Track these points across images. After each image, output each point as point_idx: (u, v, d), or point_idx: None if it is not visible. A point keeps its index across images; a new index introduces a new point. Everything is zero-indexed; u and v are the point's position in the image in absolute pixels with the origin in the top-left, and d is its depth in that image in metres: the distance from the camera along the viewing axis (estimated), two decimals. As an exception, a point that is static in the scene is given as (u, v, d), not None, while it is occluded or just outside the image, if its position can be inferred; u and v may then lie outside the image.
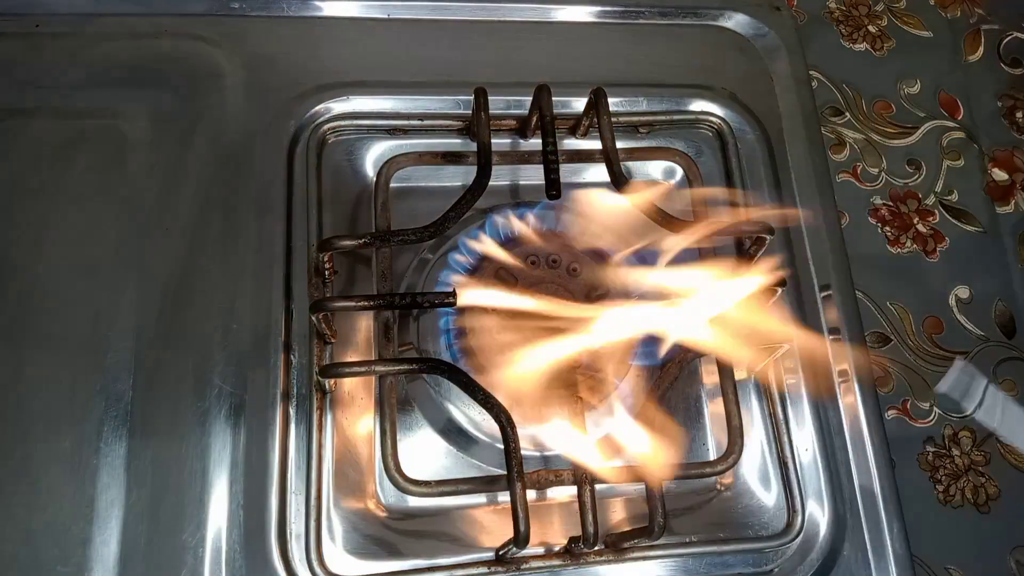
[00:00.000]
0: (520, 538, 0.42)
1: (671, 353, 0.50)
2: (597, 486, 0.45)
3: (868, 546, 0.51)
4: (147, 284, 0.51)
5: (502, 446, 0.43)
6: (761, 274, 0.47)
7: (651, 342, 0.50)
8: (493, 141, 0.51)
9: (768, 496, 0.52)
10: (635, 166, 0.59)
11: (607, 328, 0.47)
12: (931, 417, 0.59)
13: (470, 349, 0.49)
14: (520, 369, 0.48)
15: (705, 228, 0.49)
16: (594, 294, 0.50)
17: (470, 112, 0.56)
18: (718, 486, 0.53)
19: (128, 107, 0.55)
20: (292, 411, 0.49)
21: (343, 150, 0.57)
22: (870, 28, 0.70)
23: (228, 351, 0.50)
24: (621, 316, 0.47)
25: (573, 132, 0.58)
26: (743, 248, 0.53)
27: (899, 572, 0.50)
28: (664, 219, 0.49)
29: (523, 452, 0.43)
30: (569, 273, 0.51)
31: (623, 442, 0.47)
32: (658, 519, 0.43)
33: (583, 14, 0.63)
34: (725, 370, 0.50)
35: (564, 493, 0.50)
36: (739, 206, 0.58)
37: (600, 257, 0.52)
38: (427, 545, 0.48)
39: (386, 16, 0.60)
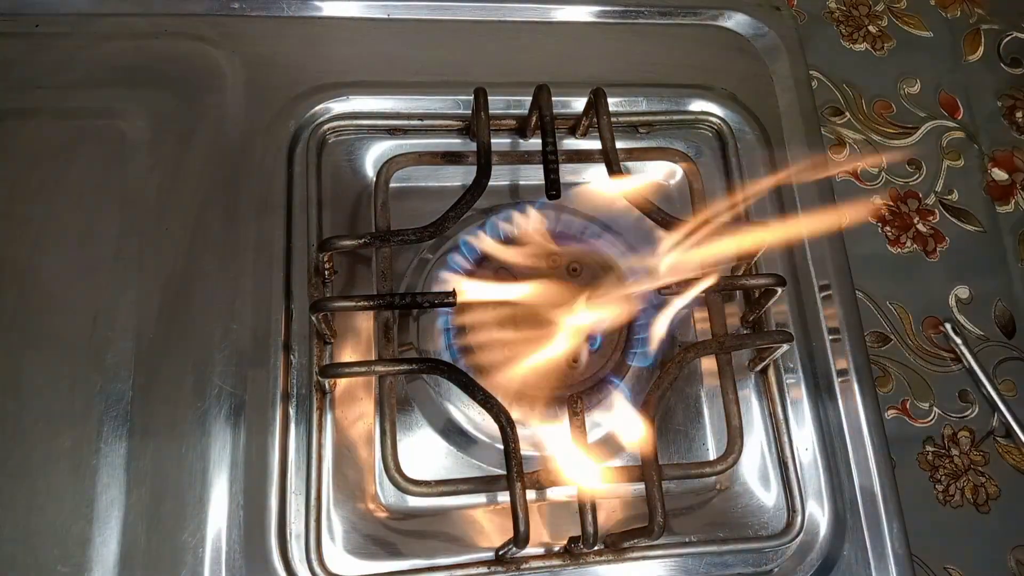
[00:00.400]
0: (520, 538, 0.42)
1: (667, 354, 0.51)
2: (597, 486, 0.45)
3: (868, 546, 0.51)
4: (147, 284, 0.51)
5: (502, 446, 0.43)
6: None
7: (646, 342, 0.50)
8: (493, 141, 0.51)
9: (768, 496, 0.52)
10: (635, 166, 0.59)
11: (603, 312, 0.48)
12: (931, 417, 0.59)
13: (470, 349, 0.49)
14: (520, 368, 0.48)
15: (705, 228, 0.49)
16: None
17: (470, 112, 0.56)
18: (718, 486, 0.53)
19: (128, 107, 0.55)
20: (292, 411, 0.49)
21: (343, 150, 0.57)
22: (870, 28, 0.70)
23: (228, 351, 0.50)
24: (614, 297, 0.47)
25: (573, 132, 0.58)
26: (743, 247, 0.53)
27: (899, 572, 0.50)
28: (664, 219, 0.50)
29: (523, 452, 0.43)
30: (569, 273, 0.51)
31: (623, 436, 0.47)
32: (658, 519, 0.43)
33: (583, 14, 0.63)
34: (725, 370, 0.50)
35: (564, 493, 0.50)
36: (739, 207, 0.58)
37: (600, 257, 0.52)
38: (427, 545, 0.48)
39: (386, 16, 0.60)
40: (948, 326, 0.60)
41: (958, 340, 0.60)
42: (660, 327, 0.49)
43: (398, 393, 0.50)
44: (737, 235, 0.52)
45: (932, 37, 0.71)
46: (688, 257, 0.49)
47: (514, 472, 0.42)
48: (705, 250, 0.49)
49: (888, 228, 0.64)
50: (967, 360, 0.59)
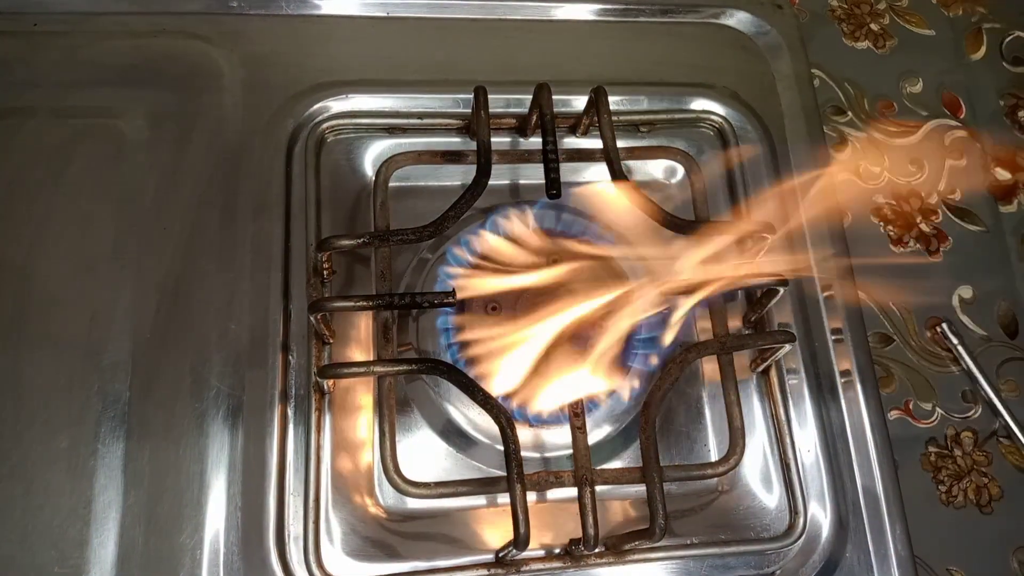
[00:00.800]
0: (520, 540, 0.42)
1: (667, 354, 0.50)
2: (598, 487, 0.45)
3: (871, 547, 0.51)
4: (145, 284, 0.51)
5: (502, 447, 0.43)
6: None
7: (647, 344, 0.50)
8: (493, 140, 0.51)
9: (770, 497, 0.52)
10: (636, 165, 0.59)
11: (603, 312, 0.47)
12: (933, 417, 0.59)
13: (469, 348, 0.49)
14: (520, 368, 0.47)
15: (707, 229, 0.49)
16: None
17: (470, 111, 0.56)
18: (719, 487, 0.52)
19: (126, 106, 0.55)
20: (290, 412, 0.49)
21: (342, 149, 0.57)
22: (872, 26, 0.70)
23: (226, 352, 0.50)
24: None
25: (573, 131, 0.58)
26: (744, 247, 0.53)
27: (901, 573, 0.50)
28: (665, 218, 0.49)
29: (523, 454, 0.43)
30: (569, 273, 0.51)
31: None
32: (659, 521, 0.42)
33: (583, 12, 0.63)
34: (727, 370, 0.50)
35: (564, 495, 0.50)
36: (740, 205, 0.58)
37: (601, 256, 0.52)
38: (426, 547, 0.48)
39: (385, 14, 0.60)
40: (945, 326, 0.60)
41: (955, 340, 0.59)
42: (670, 332, 0.48)
43: (397, 394, 0.50)
44: (738, 235, 0.52)
45: (934, 36, 0.70)
46: (690, 257, 0.49)
47: (514, 474, 0.42)
48: (706, 250, 0.49)
49: (890, 227, 0.64)
50: (965, 361, 0.59)
